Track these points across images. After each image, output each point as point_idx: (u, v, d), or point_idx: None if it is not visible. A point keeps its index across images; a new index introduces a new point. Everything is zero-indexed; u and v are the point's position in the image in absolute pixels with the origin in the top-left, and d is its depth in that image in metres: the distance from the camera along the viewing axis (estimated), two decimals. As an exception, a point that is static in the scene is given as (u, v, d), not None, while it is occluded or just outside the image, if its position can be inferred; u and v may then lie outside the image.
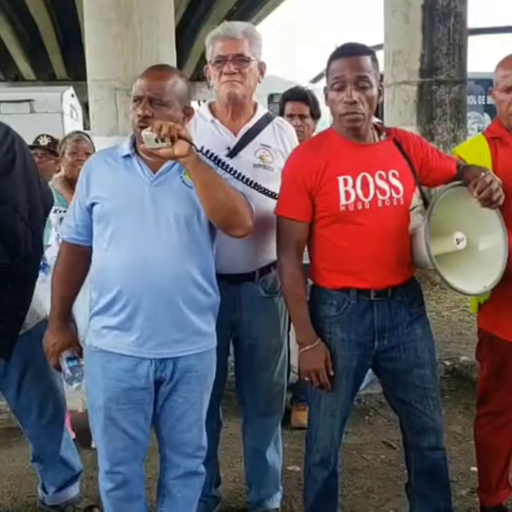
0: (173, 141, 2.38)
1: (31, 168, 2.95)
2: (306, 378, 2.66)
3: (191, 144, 2.44)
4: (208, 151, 2.73)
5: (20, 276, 2.87)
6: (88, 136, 4.76)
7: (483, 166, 2.75)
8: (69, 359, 2.73)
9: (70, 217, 2.71)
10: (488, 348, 3.03)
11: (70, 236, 2.70)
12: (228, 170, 2.76)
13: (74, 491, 3.39)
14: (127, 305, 2.53)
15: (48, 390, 3.15)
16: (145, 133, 2.41)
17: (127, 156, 2.60)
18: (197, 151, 2.54)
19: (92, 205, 2.59)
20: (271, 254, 2.85)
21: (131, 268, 2.50)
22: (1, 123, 2.90)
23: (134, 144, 2.63)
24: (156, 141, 2.38)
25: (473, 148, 2.96)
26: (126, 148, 2.62)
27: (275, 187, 2.77)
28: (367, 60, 2.54)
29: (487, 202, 2.54)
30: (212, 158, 2.74)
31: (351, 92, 2.51)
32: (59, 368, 2.78)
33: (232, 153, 2.87)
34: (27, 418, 3.19)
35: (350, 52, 2.56)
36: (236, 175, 2.78)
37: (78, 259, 2.70)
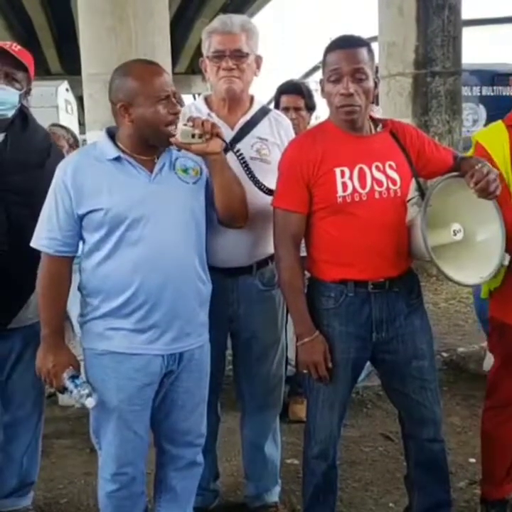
0: (210, 138, 2.49)
1: None
2: (305, 371, 2.66)
3: (225, 142, 2.54)
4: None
5: (19, 270, 2.87)
6: (63, 127, 4.73)
7: (501, 152, 2.77)
8: (73, 377, 2.54)
9: (52, 230, 2.53)
10: (498, 335, 3.02)
11: (56, 249, 2.54)
12: (238, 156, 2.76)
13: (22, 502, 3.26)
14: (144, 305, 2.50)
15: (31, 385, 3.12)
16: (185, 128, 2.48)
17: (116, 159, 2.54)
18: (228, 148, 2.63)
19: (87, 213, 2.49)
20: (268, 247, 2.84)
21: (146, 267, 2.48)
22: (43, 128, 3.16)
23: (116, 145, 2.58)
24: (193, 136, 2.47)
25: (493, 134, 2.94)
26: (110, 150, 2.55)
27: (272, 180, 2.75)
28: (363, 52, 2.54)
29: (484, 193, 2.53)
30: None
31: (348, 84, 2.51)
32: (62, 390, 2.59)
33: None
34: (7, 406, 3.16)
35: (346, 45, 2.56)
36: (243, 163, 2.78)
37: (65, 271, 2.59)
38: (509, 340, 2.95)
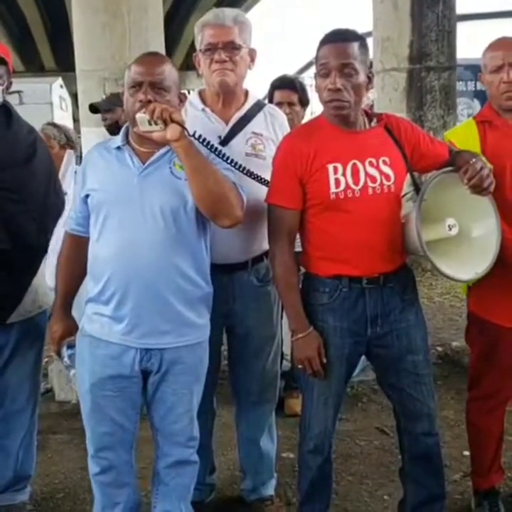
0: (166, 124, 2.39)
1: (50, 170, 3.12)
2: (299, 366, 2.67)
3: (183, 128, 2.44)
4: (200, 137, 2.69)
5: (17, 267, 2.91)
6: (56, 126, 4.77)
7: (472, 149, 2.76)
8: (69, 347, 2.79)
9: (72, 210, 2.76)
10: (477, 331, 3.06)
11: (71, 227, 2.75)
12: (222, 156, 2.72)
13: (19, 497, 3.29)
14: (115, 294, 2.55)
15: (26, 378, 3.17)
16: (139, 115, 2.43)
17: (119, 148, 2.61)
18: (190, 136, 2.53)
19: (87, 196, 2.61)
20: (263, 243, 2.85)
21: (118, 258, 2.52)
22: (27, 123, 3.08)
23: (126, 136, 2.63)
24: (150, 123, 2.41)
25: (463, 132, 2.98)
26: (119, 139, 2.63)
27: (268, 175, 2.75)
28: (353, 46, 2.52)
29: (478, 189, 2.54)
30: (206, 144, 2.70)
31: (335, 79, 2.50)
32: (59, 355, 2.84)
33: (224, 142, 2.86)
34: (1, 400, 3.18)
35: (336, 39, 2.55)
36: (229, 161, 2.74)
37: (80, 249, 2.71)
38: (487, 334, 2.99)
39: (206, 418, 2.96)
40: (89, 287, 2.66)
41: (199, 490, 3.14)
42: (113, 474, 2.71)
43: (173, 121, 2.40)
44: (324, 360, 2.64)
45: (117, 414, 2.64)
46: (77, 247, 2.73)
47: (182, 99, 2.65)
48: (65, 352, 2.80)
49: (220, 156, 2.70)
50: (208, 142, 2.71)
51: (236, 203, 2.54)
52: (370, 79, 2.59)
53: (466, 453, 3.45)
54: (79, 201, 2.67)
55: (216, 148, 2.73)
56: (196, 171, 2.47)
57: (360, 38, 2.58)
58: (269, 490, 3.31)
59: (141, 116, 2.42)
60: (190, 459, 2.79)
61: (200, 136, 2.68)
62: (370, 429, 4.21)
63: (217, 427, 3.34)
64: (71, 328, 2.81)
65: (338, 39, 2.54)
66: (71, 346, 2.78)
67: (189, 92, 2.98)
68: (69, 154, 4.55)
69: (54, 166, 3.25)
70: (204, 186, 2.48)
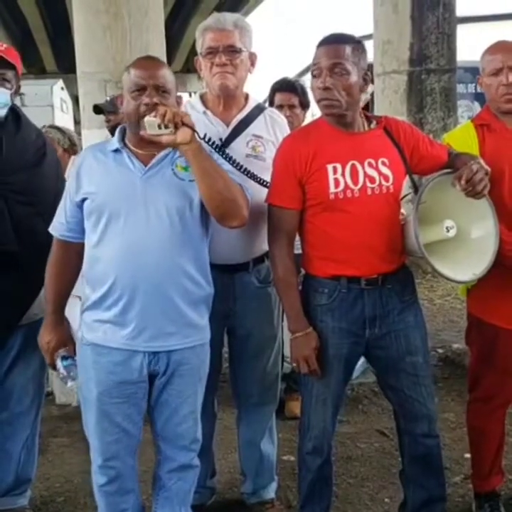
0: (176, 127, 2.39)
1: (58, 172, 3.15)
2: (294, 364, 2.69)
3: (194, 131, 2.44)
4: (205, 136, 2.70)
5: (27, 269, 2.91)
6: (59, 130, 4.77)
7: (470, 152, 2.77)
8: (64, 358, 2.71)
9: (60, 214, 2.68)
10: (476, 332, 3.06)
11: (61, 233, 2.68)
12: (226, 157, 2.74)
13: (19, 501, 3.27)
14: (121, 298, 2.52)
15: (30, 380, 3.17)
16: (148, 119, 2.41)
17: (116, 150, 2.59)
18: (200, 139, 2.54)
19: (83, 200, 2.58)
20: (264, 244, 2.85)
21: (124, 260, 2.50)
22: (35, 126, 3.14)
23: (122, 138, 2.62)
24: (159, 127, 2.39)
25: (461, 135, 2.98)
26: (115, 142, 2.62)
27: (268, 177, 2.77)
28: (345, 48, 2.54)
29: (471, 192, 2.54)
30: (211, 144, 2.72)
31: (325, 79, 2.53)
32: (54, 367, 2.76)
33: (225, 144, 2.87)
34: (6, 402, 3.18)
35: (329, 41, 2.59)
36: (235, 164, 2.77)
37: (70, 255, 2.69)
38: (486, 335, 2.99)
39: (207, 421, 2.95)
40: (86, 294, 2.62)
41: (200, 493, 3.14)
42: (120, 483, 2.69)
43: (184, 124, 2.40)
44: (316, 364, 2.65)
45: (124, 420, 2.63)
46: (67, 252, 2.69)
47: (179, 102, 2.66)
48: (61, 364, 2.72)
49: (226, 158, 2.73)
50: (214, 142, 2.73)
51: (243, 204, 2.56)
52: (365, 81, 2.60)
53: (467, 455, 3.45)
54: (71, 206, 2.63)
55: (221, 149, 2.74)
56: (206, 173, 2.48)
57: (356, 42, 2.61)
58: (270, 493, 3.31)
59: (151, 120, 2.40)
60: (192, 463, 2.79)
61: (205, 135, 2.69)
62: (371, 431, 4.20)
63: (217, 429, 3.33)
64: (64, 337, 2.75)
65: (332, 41, 2.58)
66: (66, 357, 2.72)
67: (190, 95, 2.98)
68: (73, 161, 4.54)
69: (61, 168, 3.27)
70: (214, 188, 2.49)
